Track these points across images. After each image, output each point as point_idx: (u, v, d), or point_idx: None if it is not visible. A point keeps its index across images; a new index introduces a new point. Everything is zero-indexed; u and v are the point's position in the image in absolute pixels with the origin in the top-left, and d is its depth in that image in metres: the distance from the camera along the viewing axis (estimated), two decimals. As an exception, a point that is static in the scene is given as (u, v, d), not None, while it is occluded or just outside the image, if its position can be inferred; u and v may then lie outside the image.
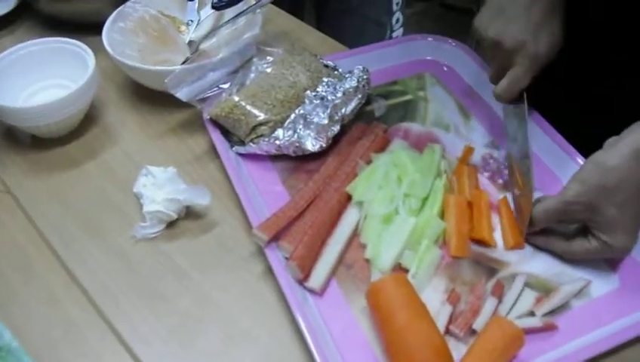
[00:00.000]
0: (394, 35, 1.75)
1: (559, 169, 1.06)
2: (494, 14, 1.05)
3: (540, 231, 0.95)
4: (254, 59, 1.16)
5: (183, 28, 1.27)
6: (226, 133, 1.10)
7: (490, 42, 1.06)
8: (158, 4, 1.27)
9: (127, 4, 1.23)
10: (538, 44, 1.02)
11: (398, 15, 1.74)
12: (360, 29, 1.72)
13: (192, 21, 1.26)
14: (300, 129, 1.05)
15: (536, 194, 0.99)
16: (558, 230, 0.96)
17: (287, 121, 1.07)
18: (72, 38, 1.21)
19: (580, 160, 1.04)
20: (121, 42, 1.18)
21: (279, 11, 1.42)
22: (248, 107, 1.07)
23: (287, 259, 0.91)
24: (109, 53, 1.15)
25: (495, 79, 1.09)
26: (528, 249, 0.96)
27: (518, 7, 1.02)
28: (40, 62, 1.20)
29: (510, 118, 1.11)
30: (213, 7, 1.24)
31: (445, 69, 1.26)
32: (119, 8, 1.23)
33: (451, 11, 3.64)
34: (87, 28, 1.29)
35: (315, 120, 1.06)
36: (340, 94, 1.09)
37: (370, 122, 1.14)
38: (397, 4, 1.72)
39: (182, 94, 1.07)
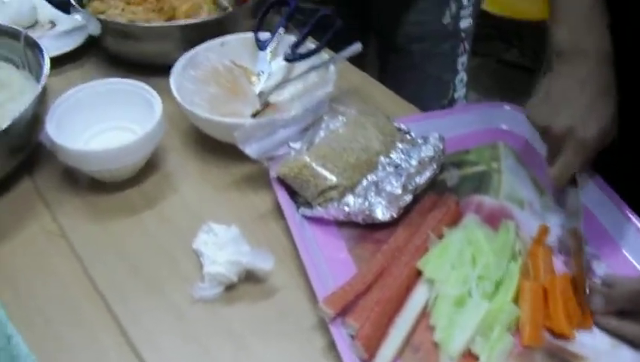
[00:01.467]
0: (456, 94, 1.71)
1: (614, 229, 1.02)
2: (544, 101, 1.02)
3: (613, 314, 0.89)
4: (325, 117, 1.12)
5: (254, 78, 1.24)
6: (293, 192, 1.06)
7: (539, 129, 1.03)
8: (230, 52, 1.25)
9: (200, 51, 1.20)
10: (586, 130, 0.98)
11: (462, 75, 1.70)
12: (421, 86, 1.68)
13: (262, 72, 1.23)
14: (371, 196, 1.01)
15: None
16: (634, 312, 0.90)
17: (359, 187, 1.03)
18: (138, 76, 1.19)
19: (636, 220, 1.01)
20: (191, 90, 1.15)
21: (349, 66, 1.38)
22: (319, 169, 1.02)
23: (352, 336, 0.86)
24: (178, 101, 1.12)
25: (549, 164, 1.05)
26: (607, 342, 0.90)
27: (567, 93, 1.00)
28: (104, 102, 1.18)
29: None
30: (286, 59, 1.21)
31: (521, 140, 1.21)
32: (190, 54, 1.21)
33: (508, 67, 3.59)
34: (154, 68, 1.27)
35: (388, 188, 1.01)
36: (414, 163, 1.05)
37: (442, 192, 1.09)
38: (462, 63, 1.69)
39: (251, 150, 1.03)
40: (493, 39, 3.62)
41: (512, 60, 3.59)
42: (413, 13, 1.64)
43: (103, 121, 1.18)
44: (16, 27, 1.29)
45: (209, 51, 1.21)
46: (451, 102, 1.72)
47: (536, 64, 3.13)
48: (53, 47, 1.38)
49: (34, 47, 1.22)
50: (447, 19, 1.63)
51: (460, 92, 1.72)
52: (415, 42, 1.67)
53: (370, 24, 1.75)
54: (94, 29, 1.38)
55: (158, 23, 1.36)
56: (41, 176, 1.16)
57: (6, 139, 1.05)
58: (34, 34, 1.28)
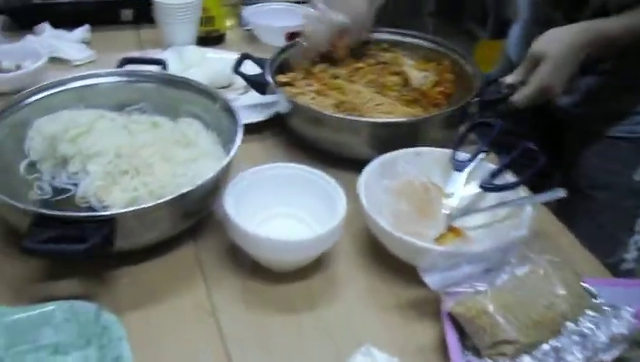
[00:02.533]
0: (627, 256, 1.59)
1: None
2: None
3: None
4: (512, 260, 1.03)
5: (444, 198, 1.17)
6: (461, 332, 0.97)
7: None
8: (423, 163, 1.19)
9: (395, 158, 1.15)
10: None
11: (638, 238, 1.58)
12: (592, 236, 1.57)
13: (453, 194, 1.16)
14: (549, 363, 0.92)
15: None
16: None
17: (538, 349, 0.93)
18: (318, 163, 1.19)
19: None
20: (380, 200, 1.09)
21: (540, 206, 1.29)
22: (498, 318, 0.93)
23: None
24: (364, 207, 1.06)
25: None
26: None
27: None
28: (284, 186, 1.15)
29: None
30: (482, 186, 1.14)
31: None
32: (386, 160, 1.15)
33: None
34: (335, 157, 1.27)
35: (569, 359, 0.91)
36: (603, 337, 0.94)
37: (622, 373, 0.99)
38: (641, 224, 1.57)
39: (432, 281, 0.96)
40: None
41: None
42: (603, 159, 1.57)
43: (279, 205, 1.14)
44: (213, 88, 1.29)
45: (403, 160, 1.16)
46: (619, 263, 1.60)
47: None
48: (242, 113, 1.36)
49: (229, 113, 1.21)
50: (638, 176, 1.53)
51: (632, 254, 1.60)
52: (599, 189, 1.58)
53: (557, 159, 1.67)
54: (284, 108, 1.36)
55: (350, 115, 1.33)
56: (204, 246, 1.12)
57: (183, 202, 1.03)
58: (227, 95, 1.27)
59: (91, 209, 1.13)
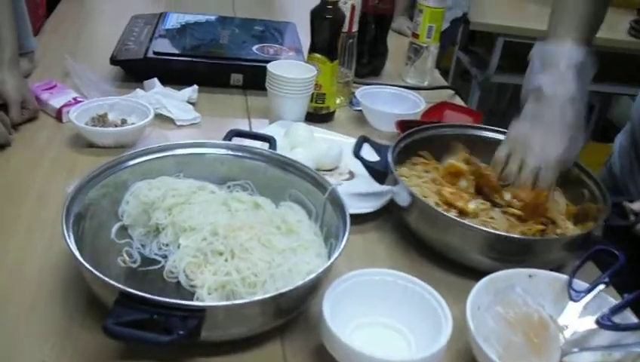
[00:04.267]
0: None
1: None
2: None
3: None
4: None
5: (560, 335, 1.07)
6: None
7: None
8: (535, 287, 1.10)
9: (513, 285, 1.06)
10: None
11: None
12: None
13: (567, 327, 1.06)
14: None
15: None
16: None
17: None
18: (425, 265, 1.21)
19: None
20: (490, 326, 1.00)
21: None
22: None
23: None
24: (472, 334, 0.97)
25: None
26: None
27: None
28: (386, 293, 1.06)
29: None
30: (599, 323, 1.04)
31: None
32: (499, 280, 1.07)
33: None
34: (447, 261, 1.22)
35: None
36: None
37: None
38: None
39: None
40: None
41: None
42: None
43: (376, 314, 1.06)
44: (320, 173, 1.22)
45: (517, 283, 1.06)
46: None
47: None
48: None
49: (337, 206, 1.14)
50: None
51: None
52: None
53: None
54: (403, 201, 1.28)
55: (469, 222, 1.22)
56: (291, 345, 1.04)
57: (278, 301, 0.96)
58: (329, 179, 1.23)
59: (179, 285, 1.08)
